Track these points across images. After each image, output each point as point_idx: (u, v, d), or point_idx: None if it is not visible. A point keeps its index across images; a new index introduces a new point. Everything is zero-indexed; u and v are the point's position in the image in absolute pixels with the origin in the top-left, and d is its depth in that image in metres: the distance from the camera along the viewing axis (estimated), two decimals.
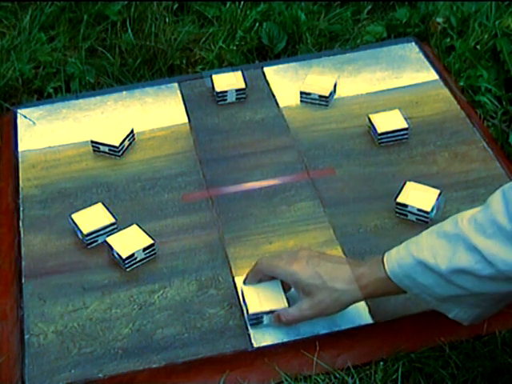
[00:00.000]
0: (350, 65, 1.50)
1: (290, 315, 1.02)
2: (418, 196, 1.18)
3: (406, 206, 1.18)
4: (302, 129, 1.37)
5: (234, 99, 1.43)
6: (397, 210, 1.19)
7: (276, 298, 1.06)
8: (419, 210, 1.17)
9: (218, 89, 1.43)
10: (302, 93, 1.41)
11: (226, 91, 1.42)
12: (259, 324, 1.06)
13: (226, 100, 1.43)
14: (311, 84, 1.41)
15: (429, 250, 0.90)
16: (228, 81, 1.44)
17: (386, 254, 0.96)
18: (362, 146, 1.33)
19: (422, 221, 1.17)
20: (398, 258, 0.94)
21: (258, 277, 1.07)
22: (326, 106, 1.40)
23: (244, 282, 1.08)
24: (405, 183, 1.21)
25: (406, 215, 1.18)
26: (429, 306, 0.96)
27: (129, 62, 1.57)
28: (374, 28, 1.62)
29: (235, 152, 1.33)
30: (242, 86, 1.43)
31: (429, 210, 1.16)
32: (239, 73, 1.46)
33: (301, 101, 1.42)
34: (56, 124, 1.41)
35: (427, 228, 1.12)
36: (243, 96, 1.43)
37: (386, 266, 0.95)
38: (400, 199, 1.19)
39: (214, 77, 1.45)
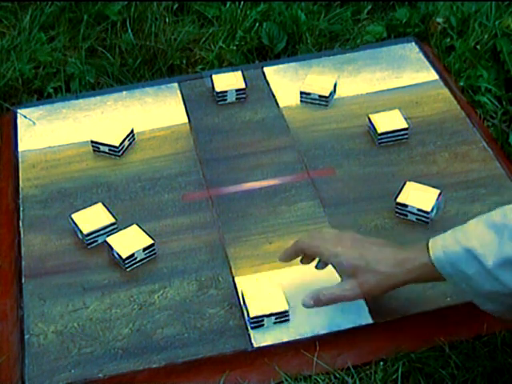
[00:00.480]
0: (350, 65, 1.50)
1: (331, 293, 1.01)
2: (418, 196, 1.18)
3: (406, 206, 1.18)
4: (302, 129, 1.37)
5: (233, 99, 1.43)
6: (397, 210, 1.19)
7: (277, 301, 1.06)
8: (419, 210, 1.17)
9: (217, 89, 1.43)
10: (301, 93, 1.41)
11: (226, 91, 1.42)
12: (260, 327, 1.06)
13: (226, 100, 1.43)
14: (311, 84, 1.41)
15: (477, 239, 0.89)
16: (228, 81, 1.44)
17: (431, 240, 0.95)
18: (362, 145, 1.33)
19: (422, 221, 1.17)
20: (443, 245, 0.93)
21: (296, 256, 1.07)
22: (326, 106, 1.40)
23: (280, 259, 1.09)
24: (405, 183, 1.21)
25: (406, 215, 1.18)
26: (465, 297, 0.95)
27: (129, 62, 1.57)
28: (374, 28, 1.62)
29: (235, 152, 1.33)
30: (242, 86, 1.43)
31: (429, 209, 1.16)
32: (239, 73, 1.46)
33: (301, 101, 1.42)
34: (56, 124, 1.41)
35: (427, 228, 1.12)
36: (243, 96, 1.43)
37: (431, 252, 0.93)
38: (400, 199, 1.19)
39: (214, 77, 1.45)
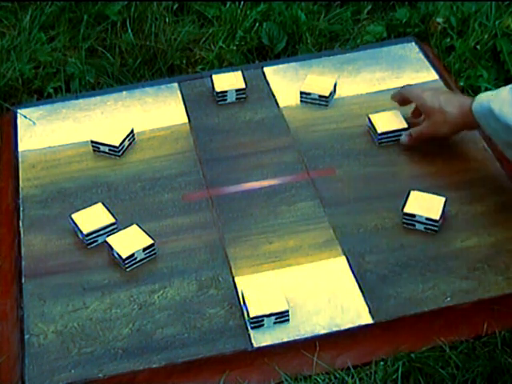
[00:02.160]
0: (350, 65, 1.50)
1: (417, 130, 1.28)
2: (425, 205, 1.17)
3: (413, 215, 1.17)
4: (302, 129, 1.37)
5: (233, 99, 1.43)
6: (404, 221, 1.18)
7: (277, 301, 1.06)
8: (428, 218, 1.16)
9: (218, 89, 1.43)
10: (301, 93, 1.41)
11: (225, 91, 1.42)
12: (260, 327, 1.06)
13: (226, 100, 1.43)
14: (311, 84, 1.41)
15: (501, 103, 1.08)
16: (228, 81, 1.44)
17: (479, 95, 1.17)
18: (361, 145, 1.33)
19: (431, 229, 1.17)
20: (480, 101, 1.15)
21: (398, 97, 1.34)
22: (326, 106, 1.40)
23: (392, 97, 1.35)
24: (409, 193, 1.20)
25: (414, 225, 1.17)
26: (499, 147, 1.17)
27: (129, 62, 1.57)
28: (374, 28, 1.62)
29: (235, 152, 1.33)
30: (242, 86, 1.43)
31: (437, 218, 1.15)
32: (239, 73, 1.46)
33: (301, 101, 1.42)
34: (56, 124, 1.41)
35: (434, 237, 1.12)
36: (243, 96, 1.43)
37: (474, 102, 1.16)
38: (407, 209, 1.17)
39: (214, 77, 1.45)
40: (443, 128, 1.24)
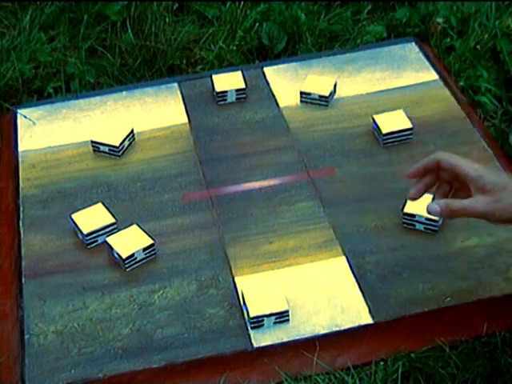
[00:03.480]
0: (350, 65, 1.50)
1: (461, 205, 0.99)
2: (425, 205, 1.16)
3: (413, 215, 1.16)
4: (302, 129, 1.37)
5: (233, 99, 1.43)
6: (404, 221, 1.18)
7: (277, 301, 1.06)
8: (428, 218, 1.16)
9: (218, 89, 1.43)
10: (301, 93, 1.41)
11: (226, 91, 1.42)
12: (260, 327, 1.06)
13: (226, 100, 1.43)
14: (311, 84, 1.41)
15: None
16: (228, 81, 1.44)
17: None
18: (361, 145, 1.33)
19: (431, 229, 1.17)
20: None
21: (431, 165, 1.03)
22: (326, 106, 1.40)
23: (412, 168, 1.04)
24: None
25: (414, 225, 1.17)
26: None
27: (129, 62, 1.57)
28: (374, 28, 1.62)
29: (235, 152, 1.33)
30: (242, 86, 1.43)
31: (437, 218, 1.15)
32: (239, 73, 1.46)
33: (301, 101, 1.42)
34: (56, 124, 1.41)
35: (434, 237, 1.12)
36: (243, 96, 1.43)
37: None
38: (407, 209, 1.17)
39: (213, 77, 1.45)
40: (504, 215, 0.97)
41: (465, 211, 0.98)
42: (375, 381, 1.00)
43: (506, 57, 1.47)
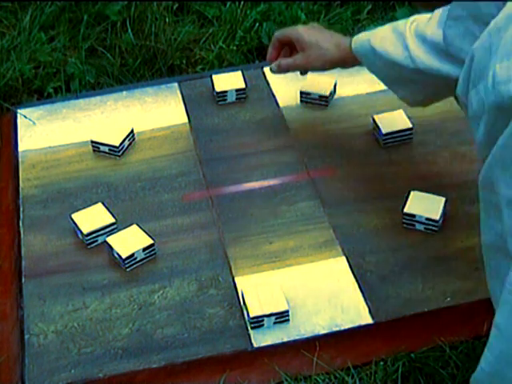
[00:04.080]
0: None
1: (286, 61, 1.30)
2: (425, 205, 1.17)
3: (413, 215, 1.16)
4: (302, 129, 1.37)
5: (233, 99, 1.43)
6: (404, 221, 1.18)
7: (277, 301, 1.06)
8: (428, 219, 1.16)
9: (218, 89, 1.43)
10: (301, 93, 1.41)
11: (226, 91, 1.42)
12: (260, 327, 1.06)
13: (226, 100, 1.43)
14: (311, 84, 1.41)
15: (381, 40, 1.14)
16: (228, 81, 1.44)
17: (356, 35, 1.22)
18: (362, 146, 1.33)
19: (431, 230, 1.16)
20: (359, 41, 1.19)
21: (278, 43, 1.32)
22: (326, 106, 1.40)
23: (268, 54, 1.33)
24: (409, 193, 1.20)
25: (414, 225, 1.17)
26: (383, 84, 1.22)
27: (129, 62, 1.57)
28: (374, 28, 1.62)
29: (235, 152, 1.33)
30: (242, 85, 1.43)
31: (437, 218, 1.15)
32: (239, 73, 1.46)
33: (301, 101, 1.42)
34: (56, 124, 1.41)
35: (434, 237, 1.12)
36: (243, 96, 1.43)
37: (353, 42, 1.20)
38: (407, 209, 1.17)
39: (214, 77, 1.45)
40: (316, 63, 1.27)
41: (289, 65, 1.30)
42: (375, 381, 1.00)
43: None
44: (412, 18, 1.13)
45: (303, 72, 1.34)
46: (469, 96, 0.79)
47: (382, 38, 1.14)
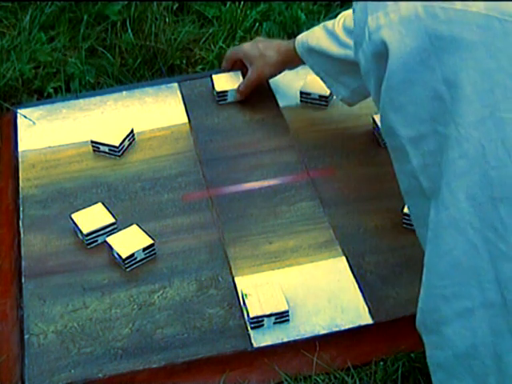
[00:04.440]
0: None
1: (242, 85, 1.41)
2: None
3: None
4: (302, 129, 1.37)
5: (233, 99, 1.43)
6: (404, 221, 1.18)
7: (277, 301, 1.06)
8: None
9: (218, 88, 1.43)
10: (301, 93, 1.41)
11: (226, 91, 1.42)
12: (260, 327, 1.06)
13: (226, 100, 1.43)
14: (311, 84, 1.41)
15: (317, 39, 1.25)
16: (228, 81, 1.44)
17: (298, 36, 1.32)
18: (362, 146, 1.33)
19: None
20: (300, 41, 1.30)
21: (227, 63, 1.47)
22: (326, 106, 1.40)
23: (222, 67, 1.48)
24: None
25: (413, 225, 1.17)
26: (324, 83, 1.32)
27: (129, 62, 1.57)
28: None
29: (235, 152, 1.33)
30: None
31: None
32: (239, 73, 1.46)
33: (301, 101, 1.42)
34: (56, 124, 1.41)
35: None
36: None
37: (296, 45, 1.31)
38: (407, 209, 1.17)
39: (214, 77, 1.45)
40: (265, 70, 1.38)
41: (246, 85, 1.40)
42: (375, 381, 1.00)
43: None
44: (340, 15, 1.24)
45: (267, 84, 1.45)
46: (358, 57, 0.84)
47: (318, 37, 1.25)
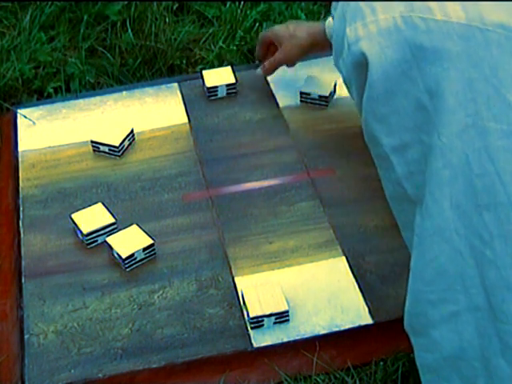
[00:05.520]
0: None
1: (270, 60, 1.40)
2: None
3: None
4: (302, 129, 1.37)
5: (224, 94, 1.43)
6: None
7: (277, 301, 1.06)
8: None
9: (208, 84, 1.43)
10: (301, 93, 1.41)
11: (216, 86, 1.43)
12: (260, 327, 1.06)
13: (216, 95, 1.43)
14: (311, 84, 1.41)
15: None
16: (218, 76, 1.44)
17: (329, 18, 1.31)
18: (362, 146, 1.32)
19: None
20: (330, 24, 1.29)
21: (260, 48, 1.46)
22: (326, 105, 1.40)
23: (256, 56, 1.48)
24: None
25: None
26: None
27: (129, 62, 1.57)
28: None
29: (235, 152, 1.33)
30: (232, 80, 1.44)
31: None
32: (229, 68, 1.46)
33: (301, 100, 1.42)
34: (56, 124, 1.41)
35: None
36: (234, 91, 1.44)
37: (326, 27, 1.31)
38: None
39: (204, 72, 1.46)
40: (292, 51, 1.37)
41: (271, 63, 1.40)
42: (375, 381, 1.00)
43: None
44: None
45: (289, 64, 1.42)
46: (339, 66, 0.85)
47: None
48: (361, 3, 0.79)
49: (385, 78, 0.77)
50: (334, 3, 1.04)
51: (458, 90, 0.74)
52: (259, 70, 1.42)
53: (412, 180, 0.81)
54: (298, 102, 1.42)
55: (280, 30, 1.38)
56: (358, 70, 0.80)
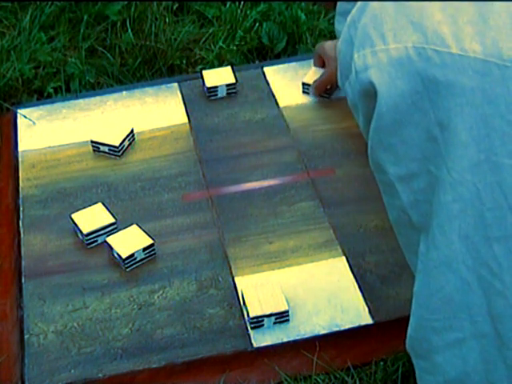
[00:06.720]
0: None
1: (318, 81, 1.39)
2: None
3: None
4: (302, 129, 1.37)
5: (224, 94, 1.43)
6: None
7: (277, 301, 1.06)
8: None
9: (208, 84, 1.43)
10: (304, 84, 1.41)
11: (216, 86, 1.43)
12: (260, 327, 1.06)
13: (216, 95, 1.43)
14: (314, 76, 1.41)
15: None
16: (218, 76, 1.44)
17: None
18: (362, 146, 1.32)
19: None
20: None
21: (315, 59, 1.43)
22: (328, 97, 1.40)
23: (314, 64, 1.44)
24: None
25: None
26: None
27: (129, 62, 1.57)
28: None
29: (235, 152, 1.33)
30: (233, 80, 1.43)
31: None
32: (229, 68, 1.46)
33: (303, 91, 1.42)
34: (56, 124, 1.41)
35: None
36: (234, 91, 1.44)
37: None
38: None
39: (204, 72, 1.46)
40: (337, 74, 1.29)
41: (317, 85, 1.39)
42: (375, 381, 1.00)
43: None
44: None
45: (336, 86, 1.37)
46: (344, 88, 0.83)
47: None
48: (370, 29, 0.76)
49: (394, 109, 0.75)
50: (337, 16, 1.03)
51: (472, 124, 0.72)
52: (311, 91, 1.40)
53: (417, 208, 0.80)
54: (298, 102, 1.42)
55: (329, 48, 1.36)
56: (366, 98, 0.79)
